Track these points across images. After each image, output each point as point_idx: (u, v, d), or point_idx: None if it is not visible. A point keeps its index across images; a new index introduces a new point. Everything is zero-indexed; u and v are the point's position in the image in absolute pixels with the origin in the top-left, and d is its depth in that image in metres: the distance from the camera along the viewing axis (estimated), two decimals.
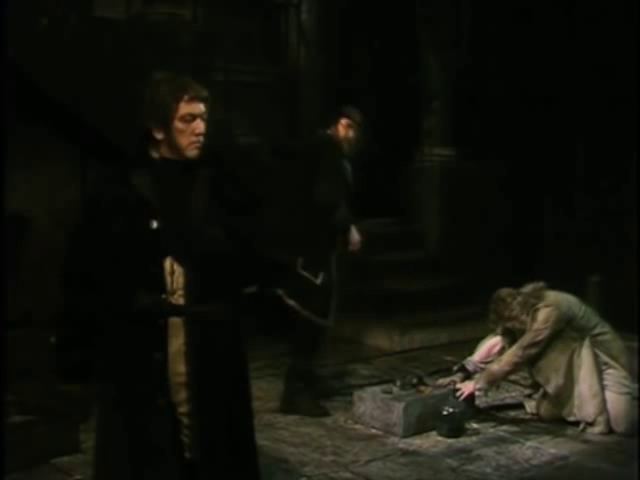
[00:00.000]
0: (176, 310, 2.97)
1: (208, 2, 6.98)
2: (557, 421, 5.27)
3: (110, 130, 5.77)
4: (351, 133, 5.66)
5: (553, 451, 4.89)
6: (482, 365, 5.48)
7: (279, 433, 5.13)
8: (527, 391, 5.70)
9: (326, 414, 5.47)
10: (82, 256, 3.06)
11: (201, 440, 3.01)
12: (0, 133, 4.37)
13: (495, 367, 5.31)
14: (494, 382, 5.37)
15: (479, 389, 5.30)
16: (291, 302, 5.33)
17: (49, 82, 5.70)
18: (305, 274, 5.36)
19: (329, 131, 5.68)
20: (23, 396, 4.47)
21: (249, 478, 3.16)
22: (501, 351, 5.45)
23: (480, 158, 8.63)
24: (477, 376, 5.36)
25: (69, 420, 4.62)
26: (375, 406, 5.22)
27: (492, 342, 5.54)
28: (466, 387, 5.27)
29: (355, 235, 5.68)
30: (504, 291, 5.44)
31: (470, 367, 5.51)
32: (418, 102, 8.69)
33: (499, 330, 5.53)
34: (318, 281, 5.39)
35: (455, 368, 5.58)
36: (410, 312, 7.36)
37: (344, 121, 5.65)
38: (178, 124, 2.98)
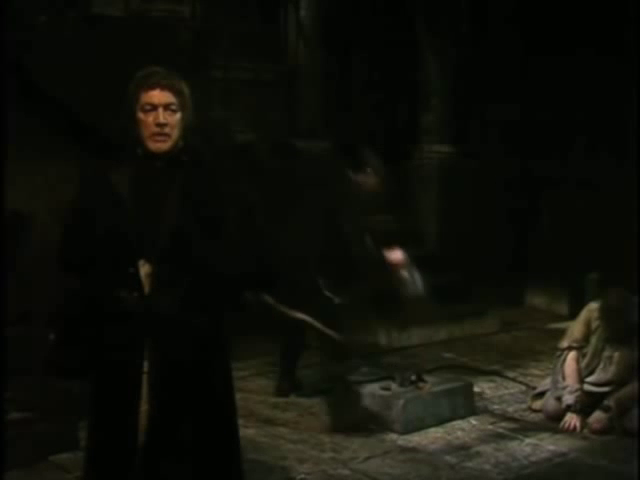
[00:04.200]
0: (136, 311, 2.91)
1: None
2: (559, 418, 5.23)
3: (108, 128, 5.76)
4: (373, 182, 5.71)
5: (552, 448, 4.88)
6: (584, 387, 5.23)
7: (278, 430, 5.12)
8: (538, 389, 5.61)
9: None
10: (70, 253, 3.05)
11: (164, 442, 2.95)
12: (0, 133, 4.36)
13: (631, 388, 5.10)
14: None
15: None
16: (310, 319, 5.40)
17: (47, 80, 5.69)
18: (328, 294, 5.48)
19: (357, 178, 5.69)
20: (22, 393, 4.46)
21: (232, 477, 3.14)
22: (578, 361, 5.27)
23: (479, 156, 8.65)
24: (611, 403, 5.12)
25: (68, 417, 4.61)
26: (374, 403, 5.22)
27: (573, 360, 5.27)
28: (598, 424, 5.09)
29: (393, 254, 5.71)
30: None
31: (575, 399, 5.15)
32: (417, 100, 8.69)
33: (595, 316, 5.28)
34: (337, 300, 5.51)
35: (572, 405, 5.18)
36: (409, 309, 7.34)
37: (370, 170, 5.70)
38: (140, 114, 2.93)
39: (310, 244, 5.49)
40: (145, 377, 2.93)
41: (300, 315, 5.40)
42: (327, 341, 5.56)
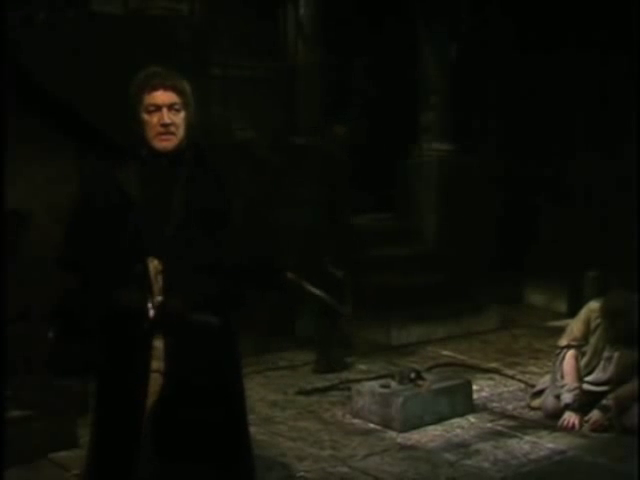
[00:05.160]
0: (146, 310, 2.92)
1: None
2: (557, 416, 5.22)
3: (108, 126, 5.76)
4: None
5: (551, 446, 4.87)
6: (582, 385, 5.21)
7: (277, 427, 5.13)
8: (537, 387, 5.60)
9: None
10: (74, 252, 3.06)
11: (181, 440, 2.97)
12: (0, 133, 4.36)
13: (630, 387, 5.06)
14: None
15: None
16: (317, 292, 6.12)
17: (47, 78, 5.69)
18: (331, 270, 6.22)
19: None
20: (21, 391, 4.47)
21: (243, 477, 3.15)
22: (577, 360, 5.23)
23: (478, 153, 8.65)
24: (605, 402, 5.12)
25: (67, 415, 4.62)
26: (373, 401, 5.22)
27: (572, 358, 5.22)
28: (596, 422, 5.07)
29: None
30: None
31: (573, 398, 5.12)
32: (416, 97, 8.69)
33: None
34: (340, 275, 6.26)
35: (570, 403, 5.14)
36: (408, 307, 7.36)
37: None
38: (144, 116, 2.96)
39: (315, 226, 6.29)
40: (153, 375, 2.95)
41: (313, 290, 6.08)
42: (333, 313, 6.33)
